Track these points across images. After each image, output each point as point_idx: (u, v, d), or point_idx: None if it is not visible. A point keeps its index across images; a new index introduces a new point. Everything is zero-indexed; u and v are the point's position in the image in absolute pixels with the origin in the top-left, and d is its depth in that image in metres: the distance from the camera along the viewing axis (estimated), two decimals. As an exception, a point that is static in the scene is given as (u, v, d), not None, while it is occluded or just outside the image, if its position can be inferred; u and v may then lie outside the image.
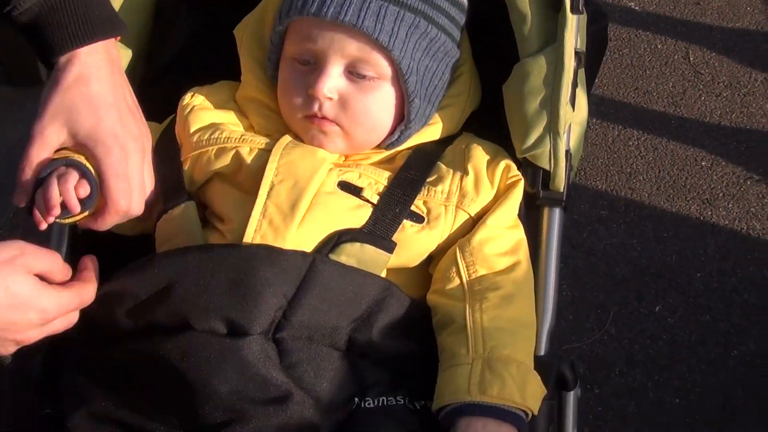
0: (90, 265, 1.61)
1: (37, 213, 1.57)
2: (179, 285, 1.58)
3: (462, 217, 1.73)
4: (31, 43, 1.61)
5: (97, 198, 1.60)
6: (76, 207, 1.56)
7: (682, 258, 3.28)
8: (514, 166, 1.78)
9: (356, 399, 1.59)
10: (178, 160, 1.78)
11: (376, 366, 1.63)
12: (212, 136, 1.76)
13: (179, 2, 1.98)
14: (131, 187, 1.61)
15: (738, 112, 3.77)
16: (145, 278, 1.61)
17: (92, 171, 1.59)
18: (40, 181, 1.57)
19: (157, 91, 1.92)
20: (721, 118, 3.74)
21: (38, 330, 1.48)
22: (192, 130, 1.78)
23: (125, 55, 1.89)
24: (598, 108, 3.79)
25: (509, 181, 1.76)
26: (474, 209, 1.73)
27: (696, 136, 3.69)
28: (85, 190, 1.57)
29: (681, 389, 2.96)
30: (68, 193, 1.55)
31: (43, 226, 1.58)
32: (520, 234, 1.75)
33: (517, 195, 1.76)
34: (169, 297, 1.58)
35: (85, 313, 1.59)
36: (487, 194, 1.74)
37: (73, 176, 1.56)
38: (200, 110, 1.81)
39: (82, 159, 1.59)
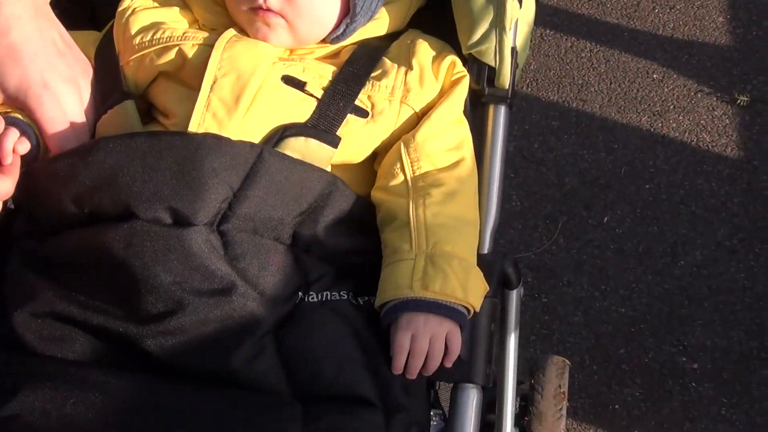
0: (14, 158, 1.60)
1: None
2: (124, 171, 1.55)
3: (406, 113, 1.71)
4: None
5: (43, 150, 1.60)
6: (15, 168, 1.56)
7: (631, 169, 3.30)
8: (459, 62, 1.77)
9: (300, 293, 1.58)
10: (115, 63, 1.75)
11: (321, 261, 1.63)
12: (154, 37, 1.73)
13: None
14: (73, 130, 1.59)
15: (691, 25, 3.76)
16: (91, 163, 1.57)
17: (32, 126, 1.60)
18: None
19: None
20: (674, 31, 3.73)
21: None
22: (133, 32, 1.75)
23: None
24: (552, 19, 3.77)
25: (454, 77, 1.75)
26: (418, 104, 1.72)
27: (648, 48, 3.68)
28: (24, 146, 1.57)
29: (627, 299, 2.99)
30: (4, 152, 1.55)
31: None
32: (464, 130, 1.73)
33: (462, 91, 1.74)
34: (114, 184, 1.55)
35: (32, 201, 1.59)
36: (432, 89, 1.73)
37: (13, 134, 1.56)
38: (141, 11, 1.77)
39: (20, 115, 1.60)
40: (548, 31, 3.75)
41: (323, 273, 1.62)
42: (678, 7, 3.82)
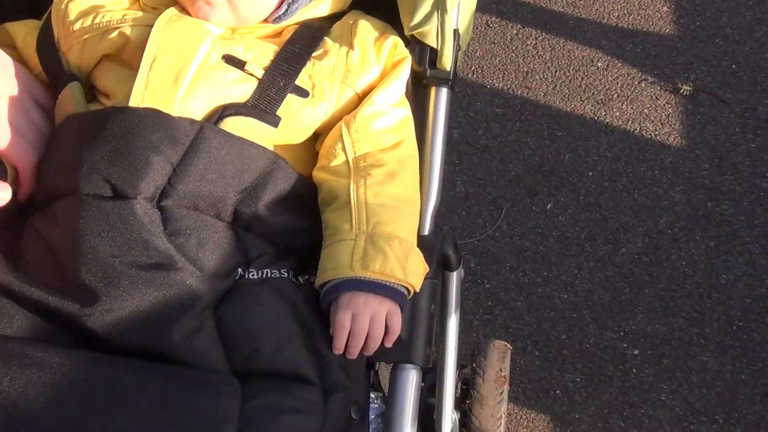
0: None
1: None
2: (67, 149, 1.58)
3: (347, 93, 1.71)
4: None
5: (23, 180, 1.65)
6: None
7: (575, 157, 3.32)
8: (401, 44, 1.77)
9: (240, 270, 1.58)
10: (55, 49, 1.75)
11: (261, 239, 1.63)
12: (94, 21, 1.72)
13: None
14: (18, 137, 1.61)
15: (636, 14, 3.79)
16: (48, 146, 1.64)
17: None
18: None
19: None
20: (619, 20, 3.76)
21: None
22: (72, 17, 1.74)
23: None
24: (498, 6, 3.79)
25: (396, 59, 1.75)
26: (359, 85, 1.72)
27: (593, 36, 3.71)
28: (6, 194, 1.59)
29: (569, 285, 3.01)
30: None
31: None
32: (406, 112, 1.74)
33: (403, 72, 1.75)
34: (59, 162, 1.58)
35: None
36: (373, 70, 1.73)
37: None
38: None
39: None
40: (494, 19, 3.76)
41: (264, 251, 1.62)
42: (623, -3, 3.86)
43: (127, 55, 1.70)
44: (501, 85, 3.54)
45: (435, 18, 1.73)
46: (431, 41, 1.75)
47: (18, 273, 1.51)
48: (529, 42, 3.68)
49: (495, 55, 3.64)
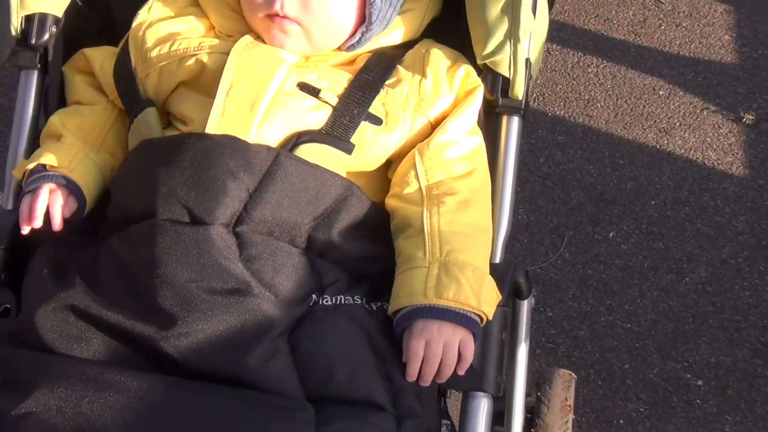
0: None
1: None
2: (145, 173, 1.60)
3: (420, 121, 1.72)
4: None
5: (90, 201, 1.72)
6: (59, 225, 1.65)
7: (637, 185, 3.30)
8: (473, 72, 1.78)
9: (314, 296, 1.59)
10: (132, 75, 1.77)
11: (335, 266, 1.64)
12: (171, 49, 1.75)
13: None
14: None
15: (697, 42, 3.78)
16: (120, 170, 1.68)
17: (77, 181, 1.67)
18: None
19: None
20: (681, 48, 3.75)
21: None
22: (150, 44, 1.77)
23: None
24: (559, 34, 3.79)
25: (468, 87, 1.76)
26: (432, 113, 1.73)
27: (655, 65, 3.70)
28: (70, 209, 1.67)
29: (632, 314, 2.99)
30: (54, 221, 1.65)
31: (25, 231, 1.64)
32: (478, 140, 1.74)
33: (476, 101, 1.75)
34: (137, 186, 1.61)
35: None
36: (446, 99, 1.74)
37: (59, 198, 1.66)
38: (157, 23, 1.79)
39: (65, 172, 1.68)
40: (555, 46, 3.76)
41: (337, 277, 1.63)
42: (684, 25, 3.84)
43: (203, 82, 1.72)
44: (562, 112, 3.53)
45: (508, 47, 1.74)
46: (504, 70, 1.76)
47: (95, 296, 1.54)
48: (590, 70, 3.68)
49: (556, 82, 3.64)
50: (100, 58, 1.83)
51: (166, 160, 1.59)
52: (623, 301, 3.02)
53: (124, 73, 1.79)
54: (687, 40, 3.79)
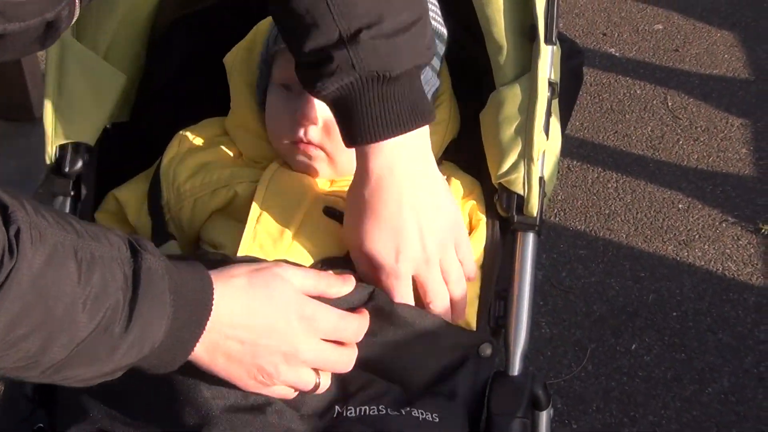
0: None
1: None
2: None
3: None
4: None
5: None
6: None
7: (658, 297, 3.34)
8: (481, 206, 1.83)
9: (337, 408, 1.58)
10: (161, 211, 1.81)
11: (360, 374, 1.62)
12: (204, 181, 1.79)
13: (172, 33, 2.04)
14: None
15: (715, 156, 3.84)
16: None
17: None
18: None
19: (149, 115, 1.98)
20: (699, 162, 3.82)
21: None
22: (183, 178, 1.81)
23: (119, 78, 1.93)
24: (579, 150, 3.87)
25: (474, 221, 1.81)
26: None
27: (673, 179, 3.76)
28: None
29: (656, 425, 3.01)
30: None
31: None
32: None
33: (478, 238, 1.80)
34: None
35: None
36: None
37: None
38: (188, 156, 1.84)
39: None
40: (575, 163, 3.83)
41: (363, 384, 1.61)
42: (702, 139, 3.91)
43: (234, 209, 1.76)
44: (583, 227, 3.59)
45: (522, 167, 1.79)
46: (518, 188, 1.80)
47: (122, 416, 1.55)
48: (609, 185, 3.75)
49: (576, 198, 3.71)
50: (133, 202, 1.86)
51: None
52: (647, 412, 3.04)
53: (155, 210, 1.82)
54: (705, 154, 3.86)
